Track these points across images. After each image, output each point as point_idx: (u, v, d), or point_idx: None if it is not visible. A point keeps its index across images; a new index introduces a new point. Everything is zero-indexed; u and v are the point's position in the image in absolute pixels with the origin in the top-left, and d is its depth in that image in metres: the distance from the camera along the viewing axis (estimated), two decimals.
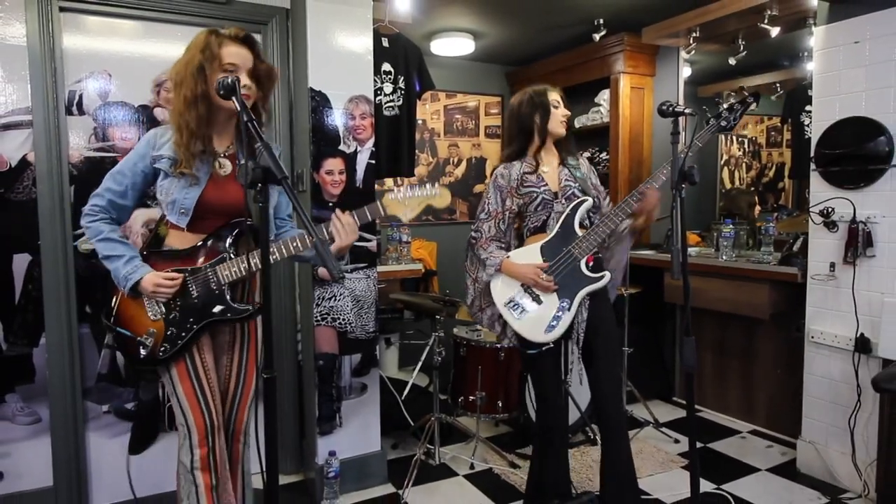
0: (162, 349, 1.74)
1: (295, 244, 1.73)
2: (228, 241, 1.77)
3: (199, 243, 1.78)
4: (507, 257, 2.20)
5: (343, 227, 1.72)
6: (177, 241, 1.80)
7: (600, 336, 2.18)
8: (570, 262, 2.13)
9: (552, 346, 2.15)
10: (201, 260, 1.77)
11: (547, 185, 2.21)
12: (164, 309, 1.75)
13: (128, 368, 2.56)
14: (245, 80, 1.71)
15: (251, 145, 1.40)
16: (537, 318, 2.14)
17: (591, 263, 2.14)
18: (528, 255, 2.18)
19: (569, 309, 2.12)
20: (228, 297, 1.76)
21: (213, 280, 1.75)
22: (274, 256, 1.74)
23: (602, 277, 2.12)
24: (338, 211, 1.74)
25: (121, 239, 1.77)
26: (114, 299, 1.81)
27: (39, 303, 2.40)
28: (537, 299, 2.16)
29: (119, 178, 1.76)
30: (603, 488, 2.21)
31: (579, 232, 2.14)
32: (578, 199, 2.18)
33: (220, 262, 1.75)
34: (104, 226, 1.75)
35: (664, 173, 2.04)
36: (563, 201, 2.20)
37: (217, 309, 1.76)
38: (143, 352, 1.75)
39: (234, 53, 1.71)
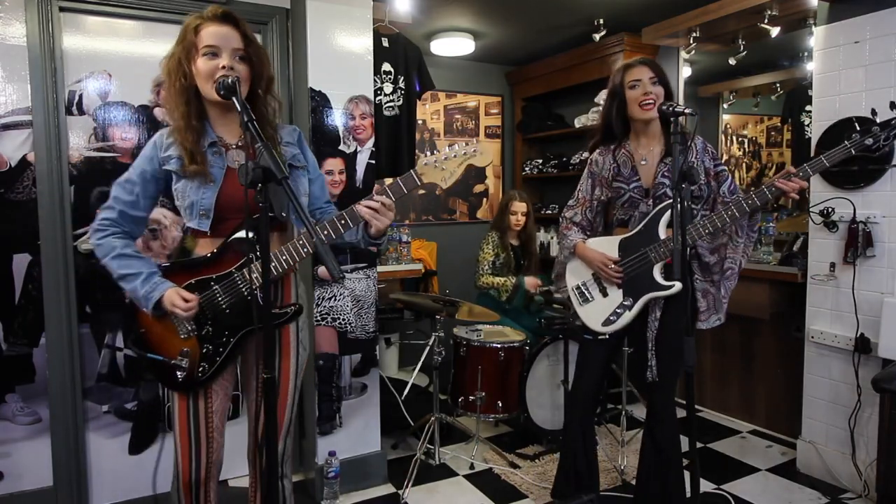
0: (200, 369, 1.59)
1: (306, 249, 1.55)
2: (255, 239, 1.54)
3: (222, 246, 1.60)
4: (584, 240, 2.20)
5: (378, 209, 1.52)
6: (201, 248, 1.64)
7: (662, 347, 2.13)
8: (644, 263, 2.08)
9: (608, 338, 2.17)
10: (227, 264, 1.59)
11: (639, 180, 2.12)
12: (194, 325, 1.59)
13: (128, 368, 2.57)
14: (226, 60, 1.52)
15: (252, 144, 1.35)
16: (599, 309, 2.17)
17: (668, 264, 2.06)
18: (606, 246, 2.16)
19: (630, 309, 2.10)
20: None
21: (242, 285, 1.57)
22: (295, 257, 1.56)
23: (671, 287, 2.04)
24: (375, 189, 1.57)
25: (136, 254, 1.61)
26: (139, 323, 1.64)
27: (39, 303, 2.40)
28: (604, 291, 2.17)
29: (128, 186, 1.60)
30: None
31: (663, 234, 2.05)
32: (666, 203, 2.05)
33: (247, 263, 1.56)
34: (117, 241, 1.59)
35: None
36: (651, 202, 2.10)
37: (252, 317, 1.59)
38: (180, 375, 1.59)
39: (213, 33, 1.53)
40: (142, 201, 1.62)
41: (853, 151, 1.90)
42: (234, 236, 1.60)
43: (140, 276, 1.56)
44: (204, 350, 1.59)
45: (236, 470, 1.85)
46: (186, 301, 1.54)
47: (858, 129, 1.94)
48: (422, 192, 4.82)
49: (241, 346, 1.64)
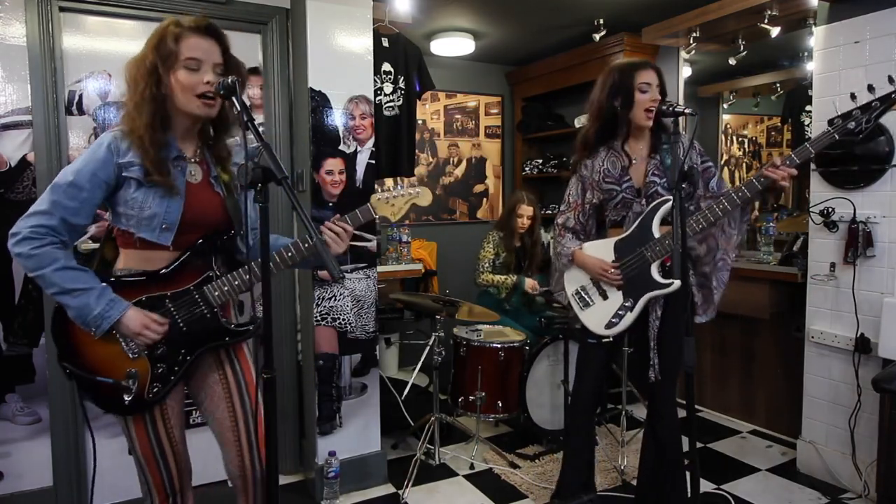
0: (154, 389, 1.51)
1: (290, 254, 1.57)
2: (213, 256, 1.55)
3: (177, 262, 1.53)
4: (580, 248, 2.19)
5: (338, 234, 1.58)
6: (134, 261, 1.53)
7: (664, 345, 2.13)
8: (641, 263, 2.07)
9: (611, 339, 2.16)
10: (185, 280, 1.54)
11: (630, 180, 2.12)
12: (145, 345, 1.51)
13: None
14: (209, 76, 1.48)
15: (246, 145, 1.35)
16: (600, 312, 2.16)
17: (668, 264, 2.06)
18: (602, 250, 2.16)
19: (631, 310, 2.09)
20: (222, 319, 1.57)
21: (201, 303, 1.54)
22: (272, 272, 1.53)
23: (670, 285, 2.04)
24: (334, 219, 1.61)
25: (82, 267, 1.47)
26: (73, 340, 1.50)
27: (39, 303, 2.40)
28: (604, 294, 2.16)
29: (72, 191, 1.43)
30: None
31: (657, 233, 2.05)
32: (658, 201, 2.07)
33: (207, 281, 1.54)
34: (58, 252, 1.43)
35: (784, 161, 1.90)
36: (644, 201, 2.10)
37: (211, 335, 1.56)
38: (127, 398, 1.48)
39: (196, 46, 1.48)
40: (86, 209, 1.46)
41: (837, 136, 1.91)
42: (195, 252, 1.55)
43: (92, 291, 1.44)
44: (158, 370, 1.52)
45: None
46: (160, 324, 1.49)
47: (839, 114, 1.95)
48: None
49: (194, 362, 1.59)
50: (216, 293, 1.54)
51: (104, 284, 1.48)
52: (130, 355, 1.50)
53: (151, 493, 1.61)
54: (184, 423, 1.66)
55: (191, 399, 1.70)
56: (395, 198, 1.69)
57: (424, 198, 1.76)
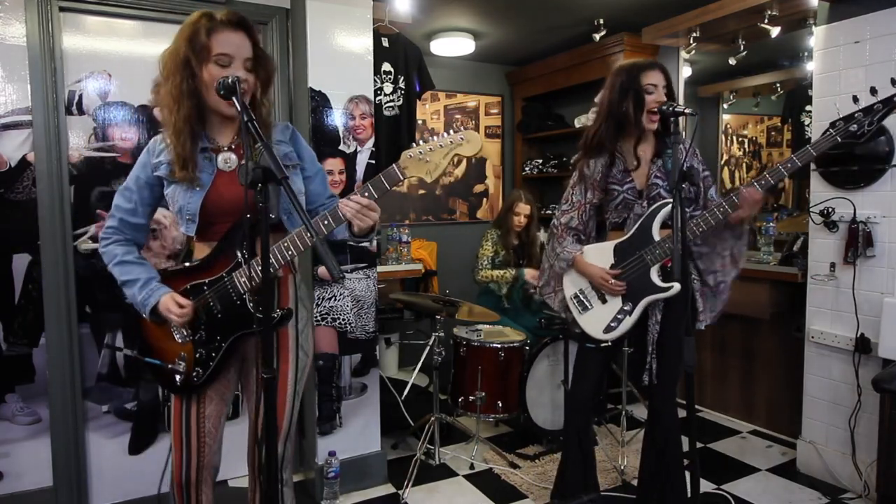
0: (195, 373, 1.60)
1: (309, 234, 1.44)
2: (241, 243, 1.56)
3: (212, 251, 1.60)
4: (581, 252, 2.17)
5: (357, 208, 1.46)
6: (196, 253, 1.65)
7: (663, 348, 2.12)
8: (641, 266, 2.06)
9: (609, 344, 2.15)
10: (219, 268, 1.58)
11: (633, 182, 2.10)
12: (189, 330, 1.60)
13: (127, 368, 2.57)
14: (239, 71, 1.49)
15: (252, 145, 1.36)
16: (599, 316, 2.14)
17: (669, 266, 2.04)
18: (601, 254, 2.14)
19: (630, 314, 2.08)
20: (251, 306, 1.57)
21: (231, 290, 1.56)
22: (290, 252, 1.51)
23: (670, 288, 2.03)
24: (357, 187, 1.56)
25: (137, 260, 1.63)
26: (141, 327, 1.68)
27: (39, 303, 2.40)
28: (603, 298, 2.14)
29: (126, 194, 1.62)
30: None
31: (657, 236, 2.04)
32: (658, 204, 2.05)
33: (236, 268, 1.56)
34: (118, 248, 1.62)
35: (771, 177, 1.92)
36: (645, 203, 2.09)
37: (242, 322, 1.58)
38: (178, 379, 1.61)
39: (227, 41, 1.49)
40: (140, 208, 1.63)
41: (839, 139, 1.90)
42: (225, 240, 1.58)
43: (138, 282, 1.59)
44: (197, 355, 1.60)
45: (237, 470, 1.84)
46: (181, 307, 1.55)
47: (841, 116, 1.94)
48: (422, 191, 4.82)
49: (236, 350, 1.64)
50: (242, 279, 1.55)
51: (151, 275, 1.61)
52: (179, 340, 1.61)
53: (172, 474, 1.67)
54: (221, 419, 1.69)
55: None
56: (430, 151, 1.43)
57: (471, 146, 1.42)
